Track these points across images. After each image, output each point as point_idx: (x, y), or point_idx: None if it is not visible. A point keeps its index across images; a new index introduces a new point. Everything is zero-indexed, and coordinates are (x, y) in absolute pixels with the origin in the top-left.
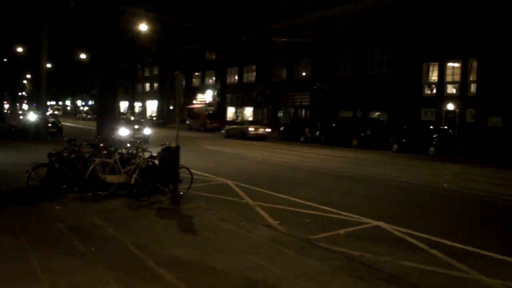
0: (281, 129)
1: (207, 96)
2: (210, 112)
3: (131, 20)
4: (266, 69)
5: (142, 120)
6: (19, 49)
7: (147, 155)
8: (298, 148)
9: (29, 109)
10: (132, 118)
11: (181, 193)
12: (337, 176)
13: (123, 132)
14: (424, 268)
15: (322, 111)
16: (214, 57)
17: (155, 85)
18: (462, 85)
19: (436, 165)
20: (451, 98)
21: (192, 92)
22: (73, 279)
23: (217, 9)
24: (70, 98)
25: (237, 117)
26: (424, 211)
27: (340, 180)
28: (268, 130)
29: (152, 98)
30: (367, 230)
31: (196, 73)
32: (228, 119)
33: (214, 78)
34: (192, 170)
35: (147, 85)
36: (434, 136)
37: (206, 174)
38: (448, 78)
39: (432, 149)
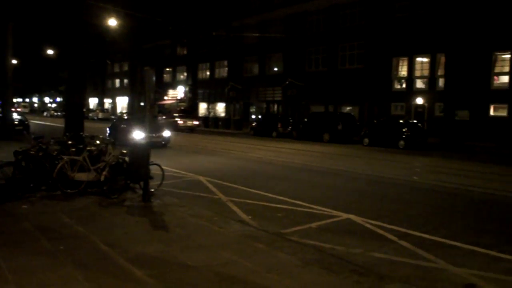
0: (253, 124)
1: (178, 92)
2: (182, 108)
3: (99, 15)
4: (238, 65)
5: (160, 118)
6: None
7: (117, 152)
8: (271, 143)
9: None
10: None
11: (152, 190)
12: (309, 171)
13: (137, 135)
14: (393, 259)
15: (294, 106)
16: (185, 52)
17: (125, 81)
18: (431, 80)
19: (406, 158)
20: (420, 92)
21: (163, 88)
22: (42, 279)
23: (188, 4)
24: (37, 95)
25: (209, 112)
26: (394, 204)
27: (312, 174)
28: (196, 122)
29: (122, 94)
30: (338, 223)
31: (167, 69)
32: (200, 115)
33: (185, 74)
34: (163, 167)
35: (117, 81)
36: (403, 130)
37: (178, 171)
38: (417, 73)
39: (402, 142)
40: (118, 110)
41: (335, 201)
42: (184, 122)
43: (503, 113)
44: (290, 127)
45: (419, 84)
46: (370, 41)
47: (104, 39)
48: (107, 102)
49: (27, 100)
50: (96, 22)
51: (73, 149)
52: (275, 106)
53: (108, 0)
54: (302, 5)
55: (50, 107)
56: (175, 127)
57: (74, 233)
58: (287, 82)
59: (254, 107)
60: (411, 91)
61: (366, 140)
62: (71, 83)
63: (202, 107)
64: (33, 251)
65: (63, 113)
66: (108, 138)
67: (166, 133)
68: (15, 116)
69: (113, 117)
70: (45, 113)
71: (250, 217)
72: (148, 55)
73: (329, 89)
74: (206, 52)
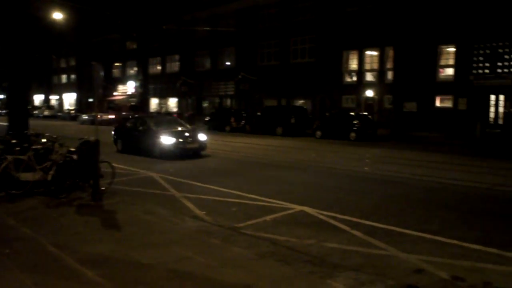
0: (207, 119)
1: (128, 88)
2: (132, 104)
3: (44, 8)
4: (190, 59)
5: (187, 115)
6: None
7: (64, 150)
8: (224, 138)
9: None
10: (176, 119)
11: (103, 188)
12: (263, 164)
13: (166, 140)
14: (346, 248)
15: (247, 100)
16: (135, 47)
17: (73, 76)
18: (380, 73)
19: (357, 150)
20: (370, 85)
21: (112, 83)
22: None
23: None
24: None
25: (161, 108)
26: (346, 194)
27: (266, 168)
28: (112, 116)
29: (69, 90)
30: (293, 216)
31: (117, 64)
32: (151, 110)
33: (136, 69)
34: (114, 164)
35: (64, 77)
36: (354, 122)
37: (130, 168)
38: (367, 66)
39: (353, 134)
40: (66, 106)
41: (289, 194)
42: (101, 117)
43: (449, 104)
44: (243, 121)
45: (369, 77)
46: (321, 35)
47: (49, 33)
48: (54, 98)
49: None
50: (41, 15)
51: (18, 148)
52: (228, 101)
53: None
54: None
55: None
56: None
57: (20, 235)
58: (240, 76)
59: (207, 101)
60: (362, 84)
61: (319, 133)
62: (14, 79)
63: (154, 103)
64: None
65: (7, 110)
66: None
67: (202, 136)
68: None
69: (111, 117)
70: None
71: (204, 212)
72: (96, 50)
73: (281, 83)
74: (157, 46)
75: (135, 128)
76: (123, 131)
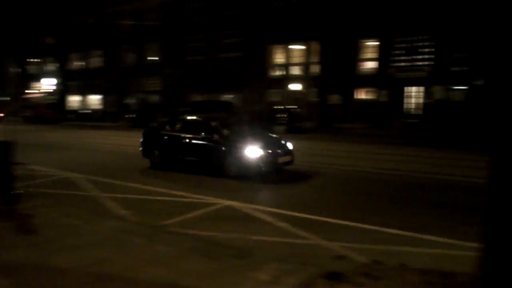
0: (132, 116)
1: (46, 85)
2: (50, 101)
3: None
4: (114, 54)
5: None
6: None
7: None
8: None
9: None
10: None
11: (19, 191)
12: None
13: (253, 152)
14: (271, 240)
15: (174, 95)
16: (54, 42)
17: None
18: (306, 67)
19: None
20: (296, 79)
21: (29, 80)
22: None
23: None
24: None
25: (83, 105)
26: (271, 187)
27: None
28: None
29: None
30: (218, 210)
31: (34, 60)
32: (73, 108)
33: (55, 65)
34: (32, 166)
35: None
36: (282, 116)
37: (48, 169)
38: (293, 60)
39: (280, 128)
40: None
41: (213, 189)
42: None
43: (371, 96)
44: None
45: (296, 71)
46: (248, 30)
47: None
48: None
49: None
50: None
51: None
52: (154, 96)
53: None
54: None
55: None
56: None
57: None
58: (166, 71)
59: (133, 97)
60: (288, 78)
61: None
62: None
63: (75, 100)
64: None
65: None
66: None
67: (290, 145)
68: None
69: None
70: None
71: (127, 211)
72: (11, 45)
73: (209, 78)
74: (78, 41)
75: (185, 133)
76: (162, 139)
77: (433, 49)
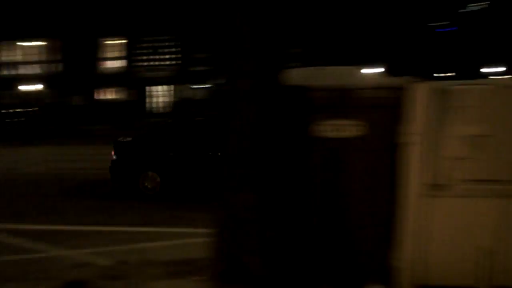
0: None
1: None
2: None
3: None
4: None
5: None
6: None
7: None
8: None
9: None
10: None
11: None
12: None
13: None
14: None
15: None
16: None
17: None
18: (46, 65)
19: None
20: (32, 78)
21: None
22: None
23: None
24: None
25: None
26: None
27: None
28: None
29: None
30: None
31: None
32: None
33: None
34: None
35: None
36: (16, 119)
37: None
38: (29, 58)
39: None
40: None
41: None
42: None
43: (117, 96)
44: None
45: (32, 70)
46: None
47: None
48: None
49: None
50: None
51: None
52: None
53: None
54: None
55: None
56: None
57: None
58: None
59: None
60: (23, 78)
61: None
62: None
63: None
64: None
65: None
66: None
67: None
68: None
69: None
70: None
71: None
72: None
73: None
74: None
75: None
76: (161, 154)
77: (178, 49)
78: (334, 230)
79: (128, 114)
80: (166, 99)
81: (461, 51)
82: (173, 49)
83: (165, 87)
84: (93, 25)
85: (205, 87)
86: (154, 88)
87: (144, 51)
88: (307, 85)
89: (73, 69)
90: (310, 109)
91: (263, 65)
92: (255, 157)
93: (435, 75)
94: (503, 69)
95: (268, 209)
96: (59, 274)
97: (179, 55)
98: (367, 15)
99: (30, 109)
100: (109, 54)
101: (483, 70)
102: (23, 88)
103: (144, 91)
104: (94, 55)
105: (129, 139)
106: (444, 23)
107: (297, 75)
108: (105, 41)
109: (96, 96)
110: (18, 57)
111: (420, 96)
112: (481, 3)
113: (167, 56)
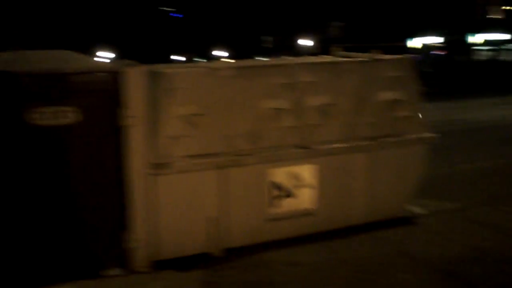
0: None
1: None
2: None
3: None
4: None
5: None
6: None
7: None
8: None
9: None
10: None
11: None
12: None
13: None
14: None
15: None
16: None
17: None
18: None
19: None
20: None
21: None
22: None
23: None
24: None
25: None
26: None
27: None
28: None
29: None
30: None
31: None
32: None
33: None
34: None
35: None
36: None
37: None
38: None
39: None
40: None
41: None
42: None
43: None
44: None
45: None
46: None
47: None
48: None
49: None
50: None
51: None
52: None
53: None
54: None
55: None
56: None
57: None
58: None
59: None
60: None
61: None
62: None
63: None
64: None
65: None
66: None
67: None
68: None
69: None
70: None
71: None
72: None
73: None
74: None
75: None
76: None
77: None
78: (62, 222)
79: None
80: None
81: (194, 35)
82: None
83: None
84: None
85: None
86: None
87: None
88: (11, 71)
89: None
90: (22, 96)
91: None
92: None
93: (172, 57)
94: (226, 54)
95: None
96: None
97: None
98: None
99: None
100: None
101: (214, 53)
102: None
103: None
104: None
105: None
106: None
107: None
108: None
109: None
110: None
111: (135, 79)
112: None
113: None
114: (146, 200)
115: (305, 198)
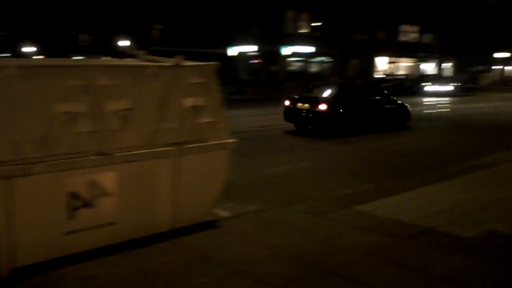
0: None
1: None
2: None
3: None
4: None
5: None
6: None
7: None
8: None
9: None
10: None
11: None
12: None
13: None
14: None
15: None
16: None
17: None
18: None
19: None
20: None
21: None
22: None
23: None
24: None
25: None
26: None
27: None
28: None
29: None
30: None
31: None
32: None
33: None
34: None
35: None
36: None
37: None
38: None
39: None
40: None
41: None
42: None
43: None
44: None
45: None
46: None
47: None
48: None
49: None
50: None
51: None
52: None
53: None
54: None
55: None
56: None
57: None
58: None
59: None
60: None
61: None
62: None
63: None
64: None
65: None
66: None
67: None
68: None
69: None
70: None
71: None
72: None
73: None
74: None
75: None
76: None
77: None
78: None
79: None
80: None
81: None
82: None
83: None
84: None
85: None
86: None
87: None
88: None
89: None
90: None
91: None
92: None
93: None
94: (34, 49)
95: None
96: None
97: None
98: None
99: None
100: None
101: (24, 49)
102: None
103: None
104: None
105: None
106: None
107: None
108: None
109: None
110: None
111: None
112: None
113: None
114: None
115: (105, 207)
